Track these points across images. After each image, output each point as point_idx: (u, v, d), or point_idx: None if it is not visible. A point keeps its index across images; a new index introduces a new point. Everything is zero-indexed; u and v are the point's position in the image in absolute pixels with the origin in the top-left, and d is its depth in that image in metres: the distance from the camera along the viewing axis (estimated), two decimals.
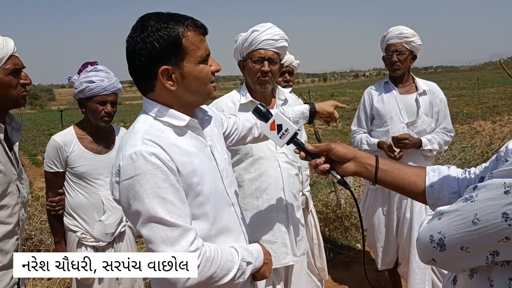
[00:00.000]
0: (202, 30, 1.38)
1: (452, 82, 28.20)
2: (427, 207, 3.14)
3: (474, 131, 10.56)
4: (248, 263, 1.42)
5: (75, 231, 2.53)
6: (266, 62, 2.28)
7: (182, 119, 1.39)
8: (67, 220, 2.56)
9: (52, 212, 2.56)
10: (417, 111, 3.09)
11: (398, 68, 3.09)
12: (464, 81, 29.03)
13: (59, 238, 2.59)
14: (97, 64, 2.52)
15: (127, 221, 2.66)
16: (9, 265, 1.90)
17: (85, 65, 2.52)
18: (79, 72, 2.50)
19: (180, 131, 1.39)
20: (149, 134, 1.31)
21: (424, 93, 3.12)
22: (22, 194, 1.99)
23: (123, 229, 2.63)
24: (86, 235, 2.52)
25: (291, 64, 3.50)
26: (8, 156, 1.89)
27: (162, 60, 1.32)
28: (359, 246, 4.55)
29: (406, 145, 2.98)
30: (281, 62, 2.41)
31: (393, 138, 3.01)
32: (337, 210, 4.87)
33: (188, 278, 1.24)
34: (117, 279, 2.61)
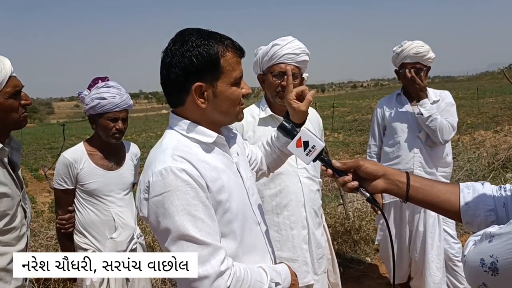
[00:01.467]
0: (240, 52, 1.38)
1: (451, 92, 28.28)
2: (441, 220, 3.10)
3: (477, 141, 10.56)
4: (277, 284, 1.38)
5: (86, 249, 2.48)
6: (286, 77, 2.25)
7: (210, 136, 1.38)
8: (77, 238, 2.51)
9: (62, 230, 2.51)
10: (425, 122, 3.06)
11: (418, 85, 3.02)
12: (463, 91, 29.15)
13: None
14: (108, 80, 2.49)
15: (138, 238, 2.62)
16: (23, 286, 1.88)
17: (95, 81, 2.48)
18: (89, 87, 2.47)
19: (207, 147, 1.38)
20: (178, 150, 1.30)
21: (434, 103, 3.09)
22: (27, 215, 1.97)
23: (134, 246, 2.58)
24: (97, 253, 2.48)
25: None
26: (13, 179, 1.87)
27: (197, 76, 1.32)
28: (369, 260, 4.51)
29: (415, 85, 2.94)
30: (302, 76, 2.38)
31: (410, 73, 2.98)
32: (346, 224, 4.83)
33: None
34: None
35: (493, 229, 0.95)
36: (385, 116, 3.24)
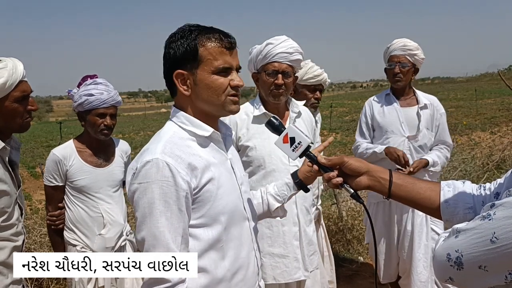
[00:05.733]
0: (225, 44, 1.41)
1: (450, 93, 28.35)
2: (429, 219, 3.13)
3: (473, 142, 10.59)
4: None
5: (75, 245, 2.51)
6: (280, 75, 2.30)
7: (206, 130, 1.43)
8: (67, 234, 2.53)
9: (53, 227, 2.54)
10: (418, 124, 3.10)
11: (400, 80, 3.10)
12: (462, 92, 29.13)
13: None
14: (96, 77, 2.52)
15: (127, 235, 2.64)
16: (19, 280, 1.92)
17: (84, 78, 2.51)
18: (79, 85, 2.50)
19: (202, 142, 1.43)
20: (171, 143, 1.36)
21: (425, 106, 3.13)
22: (23, 213, 2.02)
23: (123, 243, 2.60)
24: (86, 249, 2.50)
25: (325, 82, 3.41)
26: (11, 177, 1.90)
27: (178, 64, 1.40)
28: (362, 259, 4.52)
29: (414, 172, 2.95)
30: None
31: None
32: (339, 223, 4.85)
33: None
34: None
35: (461, 225, 0.97)
36: (374, 115, 3.25)
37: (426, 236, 3.10)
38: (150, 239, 1.28)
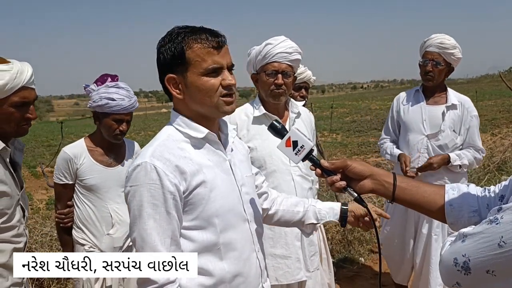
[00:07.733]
0: (212, 43, 1.37)
1: None
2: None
3: None
4: None
5: (83, 244, 2.50)
6: (279, 75, 2.30)
7: (201, 131, 1.42)
8: (75, 233, 2.53)
9: (61, 225, 2.54)
10: (441, 124, 2.98)
11: (431, 79, 2.98)
12: (462, 93, 29.02)
13: (68, 251, 2.55)
14: (117, 79, 2.48)
15: None
16: (20, 283, 1.89)
17: (104, 77, 2.45)
18: (96, 82, 2.44)
19: (197, 143, 1.43)
20: (162, 146, 1.37)
21: (453, 107, 3.00)
22: (26, 214, 1.99)
23: (131, 243, 2.59)
24: (94, 248, 2.49)
25: (309, 80, 3.47)
26: (13, 178, 1.88)
27: (169, 69, 1.40)
28: (362, 260, 4.52)
29: (434, 168, 2.87)
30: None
31: (417, 169, 2.92)
32: None
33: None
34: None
35: (467, 229, 0.96)
36: (399, 111, 3.17)
37: (443, 239, 3.02)
38: (139, 241, 1.31)
